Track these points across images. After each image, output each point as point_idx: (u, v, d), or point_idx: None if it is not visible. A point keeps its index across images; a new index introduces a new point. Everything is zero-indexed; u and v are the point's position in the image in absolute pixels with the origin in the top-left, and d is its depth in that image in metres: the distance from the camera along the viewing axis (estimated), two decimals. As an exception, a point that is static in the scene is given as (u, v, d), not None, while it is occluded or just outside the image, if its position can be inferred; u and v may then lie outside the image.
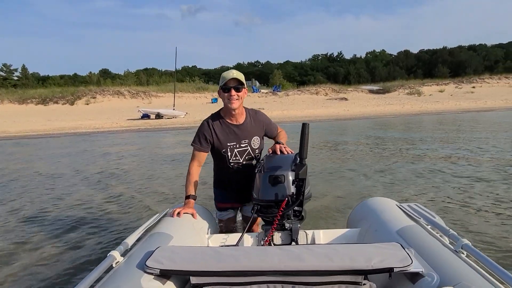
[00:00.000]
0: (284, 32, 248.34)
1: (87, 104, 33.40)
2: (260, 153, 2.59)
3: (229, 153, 2.46)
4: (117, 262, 1.51)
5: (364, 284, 1.34)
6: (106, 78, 58.89)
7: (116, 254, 1.53)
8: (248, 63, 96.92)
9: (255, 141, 2.51)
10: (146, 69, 77.79)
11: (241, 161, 2.50)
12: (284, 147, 2.25)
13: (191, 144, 2.45)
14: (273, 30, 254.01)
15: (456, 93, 38.13)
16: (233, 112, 2.37)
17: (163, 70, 77.45)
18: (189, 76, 63.13)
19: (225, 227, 2.65)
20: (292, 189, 1.92)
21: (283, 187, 1.92)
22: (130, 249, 1.66)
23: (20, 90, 37.17)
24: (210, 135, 2.41)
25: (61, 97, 33.97)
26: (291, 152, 2.21)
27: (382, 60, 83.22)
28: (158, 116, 23.52)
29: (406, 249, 1.41)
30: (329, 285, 1.35)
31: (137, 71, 70.14)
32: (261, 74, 79.45)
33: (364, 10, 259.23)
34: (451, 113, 22.17)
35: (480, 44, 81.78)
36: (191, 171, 2.38)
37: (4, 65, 64.79)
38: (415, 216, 1.88)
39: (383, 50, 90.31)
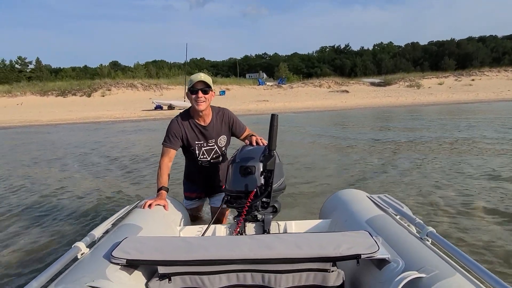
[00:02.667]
0: (292, 24, 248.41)
1: (103, 96, 35.72)
2: (226, 150, 2.71)
3: (197, 151, 2.57)
4: (82, 253, 1.50)
5: (332, 271, 1.37)
6: (116, 70, 60.97)
7: (81, 245, 1.51)
8: (256, 55, 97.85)
9: (222, 140, 2.61)
10: (155, 61, 79.37)
11: (208, 159, 2.61)
12: (260, 139, 2.28)
13: (162, 143, 2.50)
14: (280, 21, 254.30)
15: (455, 86, 39.44)
16: (200, 113, 2.45)
17: (171, 63, 79.36)
18: (198, 69, 65.16)
19: (192, 217, 2.70)
20: (262, 180, 1.93)
21: (253, 178, 1.93)
22: (98, 240, 1.64)
23: (41, 83, 39.73)
24: (180, 133, 2.49)
25: (78, 90, 36.36)
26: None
27: (389, 52, 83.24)
28: (170, 107, 25.69)
29: (373, 236, 1.44)
30: (298, 273, 1.38)
31: (146, 63, 71.93)
32: (269, 66, 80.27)
33: (372, 0, 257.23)
34: (438, 105, 23.76)
35: (490, 36, 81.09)
36: (162, 166, 2.42)
37: (19, 58, 67.27)
38: (384, 206, 1.93)
39: (390, 42, 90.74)
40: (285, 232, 2.06)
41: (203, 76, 2.38)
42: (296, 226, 2.09)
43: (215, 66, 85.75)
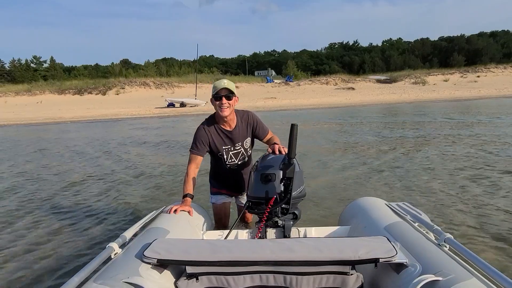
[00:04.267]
0: (301, 20, 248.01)
1: (117, 94, 37.28)
2: (251, 151, 2.76)
3: (225, 156, 2.60)
4: (115, 253, 1.59)
5: (351, 274, 1.42)
6: (127, 69, 62.65)
7: (114, 245, 1.61)
8: (265, 52, 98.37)
9: (247, 142, 2.65)
10: (165, 59, 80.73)
11: (236, 161, 2.66)
12: (283, 148, 2.29)
13: (189, 150, 2.54)
14: (289, 17, 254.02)
15: (460, 83, 40.01)
16: (225, 119, 2.48)
17: (181, 60, 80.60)
18: (208, 67, 66.44)
19: (219, 214, 2.81)
20: (282, 188, 1.99)
21: (274, 185, 1.98)
22: (128, 242, 1.74)
23: (58, 82, 41.50)
24: (207, 140, 2.52)
25: (94, 88, 38.00)
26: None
27: (398, 49, 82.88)
28: (182, 104, 27.06)
29: (391, 242, 1.48)
30: (318, 275, 1.43)
31: (157, 61, 73.25)
32: (277, 64, 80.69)
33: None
34: (439, 102, 24.56)
35: (502, 30, 79.44)
36: (189, 172, 2.46)
37: (34, 57, 69.30)
38: (402, 213, 1.97)
39: (399, 38, 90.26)
40: (305, 237, 2.12)
41: (226, 83, 2.42)
42: (315, 232, 2.15)
43: (224, 63, 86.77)
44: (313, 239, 1.64)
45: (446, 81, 41.41)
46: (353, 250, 1.40)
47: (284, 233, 2.05)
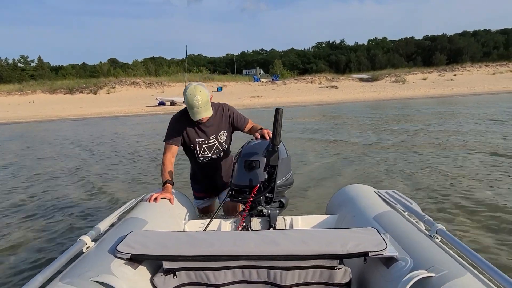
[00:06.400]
0: (289, 19, 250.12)
1: (108, 93, 38.21)
2: (228, 146, 2.67)
3: (197, 148, 2.56)
4: (87, 247, 1.51)
5: (339, 268, 1.37)
6: (115, 68, 63.45)
7: (86, 239, 1.52)
8: (253, 51, 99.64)
9: (222, 135, 2.58)
10: (153, 58, 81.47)
11: (210, 155, 2.59)
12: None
13: (164, 140, 2.51)
14: (278, 16, 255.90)
15: (437, 81, 41.87)
16: None
17: (169, 59, 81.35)
18: (196, 66, 67.45)
19: (203, 215, 2.73)
20: (266, 176, 1.92)
21: (258, 173, 1.92)
22: (103, 234, 1.65)
23: (49, 82, 42.25)
24: (180, 130, 2.50)
25: (85, 87, 38.85)
26: None
27: (383, 47, 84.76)
28: (172, 103, 28.30)
29: (381, 234, 1.43)
30: (304, 270, 1.37)
31: (145, 60, 73.97)
32: (266, 62, 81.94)
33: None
34: (414, 99, 26.20)
35: (484, 30, 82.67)
36: (165, 162, 2.41)
37: (22, 56, 69.61)
38: (392, 202, 1.92)
39: (384, 37, 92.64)
40: (291, 227, 2.05)
41: (200, 103, 2.33)
42: (302, 221, 2.08)
43: (212, 62, 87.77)
44: (299, 230, 1.58)
45: (425, 79, 43.24)
46: (341, 243, 1.35)
47: (269, 223, 1.99)
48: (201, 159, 2.63)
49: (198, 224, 2.11)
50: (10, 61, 67.30)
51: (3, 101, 34.27)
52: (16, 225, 3.75)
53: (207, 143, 2.58)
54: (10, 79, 50.10)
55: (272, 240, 1.40)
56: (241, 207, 2.69)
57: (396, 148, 7.20)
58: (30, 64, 69.37)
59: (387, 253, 1.34)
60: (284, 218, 2.09)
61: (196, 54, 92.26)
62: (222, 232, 1.92)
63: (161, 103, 28.72)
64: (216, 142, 2.60)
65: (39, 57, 71.17)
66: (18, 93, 37.05)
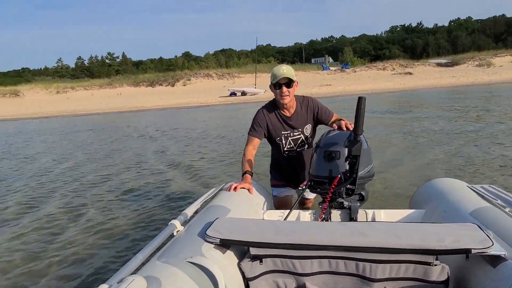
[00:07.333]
0: (360, 2, 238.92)
1: (185, 85, 40.97)
2: (312, 139, 2.68)
3: (283, 141, 2.58)
4: (177, 231, 1.59)
5: (435, 264, 1.28)
6: (189, 61, 67.42)
7: (176, 223, 1.60)
8: (322, 38, 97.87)
9: (308, 129, 2.59)
10: (223, 50, 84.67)
11: (295, 148, 2.62)
12: (350, 124, 2.14)
13: (248, 133, 2.56)
14: (347, 0, 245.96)
15: (530, 63, 37.69)
16: (285, 106, 2.47)
17: (239, 50, 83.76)
18: (265, 56, 68.54)
19: (280, 207, 2.65)
20: (347, 166, 1.85)
21: (338, 163, 1.86)
22: (190, 219, 1.73)
23: (133, 76, 46.79)
24: (265, 123, 2.53)
25: (163, 80, 42.18)
26: None
27: (468, 28, 77.82)
28: (243, 93, 29.69)
29: (484, 230, 1.31)
30: (396, 264, 1.30)
31: (216, 52, 77.56)
32: (335, 50, 79.95)
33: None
34: (499, 83, 23.99)
35: None
36: (246, 153, 2.47)
37: (109, 53, 78.00)
38: (491, 197, 1.75)
39: (469, 17, 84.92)
40: (373, 220, 1.98)
41: (285, 71, 2.36)
42: (385, 215, 2.00)
43: (280, 52, 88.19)
44: (386, 223, 1.53)
45: (514, 62, 39.17)
46: (437, 238, 1.27)
47: (350, 215, 1.93)
48: (286, 152, 2.64)
49: (278, 214, 2.13)
50: (99, 58, 75.54)
51: (96, 94, 38.74)
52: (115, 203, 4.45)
53: (293, 136, 2.59)
54: (99, 74, 56.40)
55: (361, 231, 1.37)
56: (313, 200, 2.80)
57: (490, 139, 6.50)
58: (116, 60, 76.98)
59: (493, 251, 1.23)
60: (365, 211, 2.02)
61: (264, 45, 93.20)
62: (305, 222, 1.92)
63: (233, 94, 30.21)
64: (302, 135, 2.60)
65: (123, 53, 78.67)
66: (108, 86, 41.52)
